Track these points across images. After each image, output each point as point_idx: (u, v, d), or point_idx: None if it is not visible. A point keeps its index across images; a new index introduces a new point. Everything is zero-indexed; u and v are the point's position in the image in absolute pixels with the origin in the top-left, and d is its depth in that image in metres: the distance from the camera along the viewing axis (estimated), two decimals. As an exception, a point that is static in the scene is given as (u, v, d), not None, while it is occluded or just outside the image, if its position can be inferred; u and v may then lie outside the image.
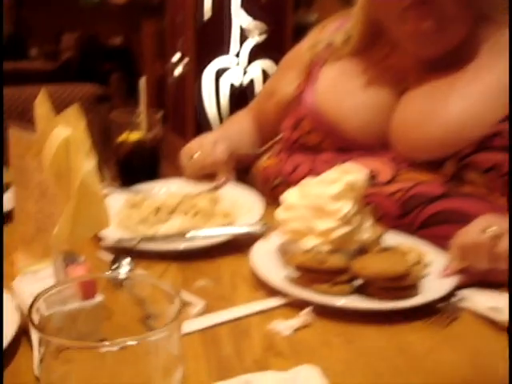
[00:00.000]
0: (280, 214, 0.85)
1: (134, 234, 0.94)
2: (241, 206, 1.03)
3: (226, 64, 3.50)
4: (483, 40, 1.00)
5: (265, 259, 0.84)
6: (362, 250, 0.84)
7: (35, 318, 0.46)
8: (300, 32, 1.40)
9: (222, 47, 3.47)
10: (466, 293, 0.77)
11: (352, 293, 0.75)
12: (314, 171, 1.06)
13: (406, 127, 1.02)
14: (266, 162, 1.20)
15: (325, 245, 0.81)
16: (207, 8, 3.41)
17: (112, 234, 0.91)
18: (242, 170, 1.22)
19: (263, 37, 3.49)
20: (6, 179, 1.04)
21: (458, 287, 0.77)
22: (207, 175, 1.15)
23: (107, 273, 0.81)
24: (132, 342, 0.43)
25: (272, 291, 0.77)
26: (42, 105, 0.75)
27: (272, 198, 1.15)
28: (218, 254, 0.90)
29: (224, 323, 0.71)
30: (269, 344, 0.68)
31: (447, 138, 0.96)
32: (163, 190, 1.11)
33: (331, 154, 1.09)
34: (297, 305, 0.74)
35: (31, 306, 0.46)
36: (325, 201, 0.81)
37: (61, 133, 0.69)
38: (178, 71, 3.69)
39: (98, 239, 0.90)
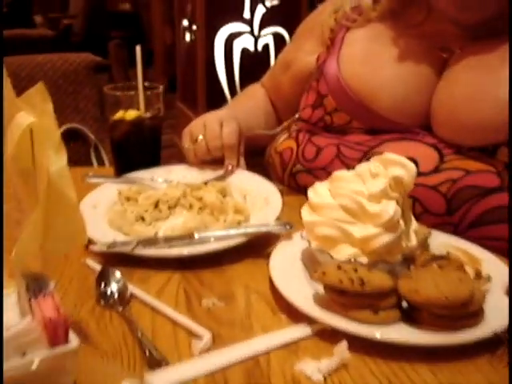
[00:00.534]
0: (306, 215, 0.68)
1: (129, 234, 0.78)
2: (254, 199, 0.87)
3: (238, 30, 3.29)
4: None
5: (287, 271, 0.68)
6: (407, 260, 0.68)
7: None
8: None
9: (233, 13, 3.26)
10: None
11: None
12: (340, 157, 0.90)
13: (451, 106, 0.85)
14: (281, 144, 1.03)
15: (363, 256, 0.65)
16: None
17: (103, 235, 0.76)
18: (253, 155, 1.05)
19: (276, 2, 3.26)
20: None
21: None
22: (213, 161, 0.98)
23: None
24: None
25: (296, 315, 0.62)
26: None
27: (290, 187, 0.99)
28: (228, 261, 0.74)
29: (236, 363, 0.55)
30: (295, 393, 0.52)
31: (500, 120, 0.79)
32: (161, 178, 0.95)
33: (360, 136, 0.92)
34: (329, 335, 0.59)
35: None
36: (364, 200, 0.64)
37: (23, 119, 0.53)
38: (188, 38, 3.49)
39: (86, 243, 0.74)
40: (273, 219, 0.79)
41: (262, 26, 3.32)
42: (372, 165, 0.66)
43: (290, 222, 0.76)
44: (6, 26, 3.55)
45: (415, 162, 0.80)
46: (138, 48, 0.91)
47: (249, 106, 1.17)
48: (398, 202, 0.65)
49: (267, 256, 0.72)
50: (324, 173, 0.93)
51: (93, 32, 5.05)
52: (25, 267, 0.52)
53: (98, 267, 0.71)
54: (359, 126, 0.93)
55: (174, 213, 0.82)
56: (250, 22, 3.29)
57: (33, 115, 0.53)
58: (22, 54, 1.58)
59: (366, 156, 0.89)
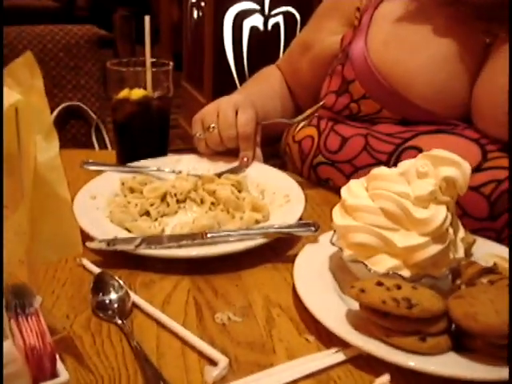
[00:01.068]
0: (338, 218, 0.59)
1: (132, 230, 0.69)
2: (273, 196, 0.77)
3: (248, 7, 3.16)
4: None
5: (314, 283, 0.58)
6: (454, 273, 0.58)
7: None
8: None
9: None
10: None
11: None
12: (368, 149, 0.81)
13: (495, 96, 0.75)
14: (300, 132, 0.93)
15: (405, 268, 0.55)
16: None
17: (102, 230, 0.67)
18: (265, 144, 0.95)
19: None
20: None
21: None
22: (227, 152, 0.89)
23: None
24: None
25: (326, 336, 0.53)
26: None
27: (309, 180, 0.89)
28: (245, 266, 0.65)
29: (258, 398, 0.46)
30: None
31: None
32: (169, 168, 0.85)
33: (390, 127, 0.83)
34: (366, 363, 0.50)
35: None
36: (409, 204, 0.55)
37: (7, 97, 0.43)
38: (195, 14, 3.36)
39: (82, 239, 0.64)
40: (295, 219, 0.70)
41: (272, 5, 3.19)
42: (419, 162, 0.56)
43: (317, 223, 0.66)
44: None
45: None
46: (147, 18, 0.81)
47: (264, 89, 1.06)
48: (448, 208, 0.55)
49: (289, 260, 0.63)
50: (349, 166, 0.84)
51: (98, 7, 4.90)
52: (7, 276, 0.43)
53: (95, 269, 0.62)
54: (390, 115, 0.83)
55: (183, 208, 0.72)
56: (260, 1, 3.16)
57: (19, 92, 0.43)
58: (23, 25, 1.47)
59: (397, 150, 0.80)
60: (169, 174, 0.84)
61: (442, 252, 0.55)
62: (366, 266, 0.56)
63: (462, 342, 0.51)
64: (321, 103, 0.89)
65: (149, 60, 0.84)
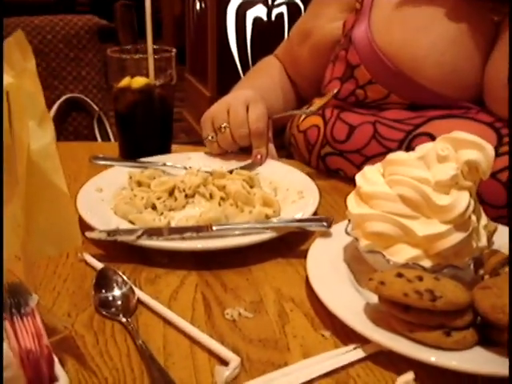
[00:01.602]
0: (353, 206, 0.55)
1: (135, 222, 0.66)
2: (286, 193, 0.74)
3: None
4: None
5: (328, 275, 0.55)
6: (476, 263, 0.55)
7: None
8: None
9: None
10: None
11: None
12: (377, 138, 0.77)
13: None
14: (305, 122, 0.89)
15: (426, 258, 0.52)
16: None
17: (105, 222, 0.64)
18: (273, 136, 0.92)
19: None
20: None
21: None
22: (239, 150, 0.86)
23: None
24: None
25: (343, 331, 0.49)
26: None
27: (318, 169, 0.86)
28: (254, 260, 0.62)
29: (273, 399, 0.43)
30: None
31: None
32: (180, 165, 0.82)
33: (399, 112, 0.79)
34: (387, 360, 0.46)
35: None
36: (429, 190, 0.51)
37: (-3, 80, 0.40)
38: (198, 6, 3.32)
39: (82, 230, 0.61)
40: (307, 215, 0.66)
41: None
42: (439, 145, 0.53)
43: (330, 218, 0.63)
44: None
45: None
46: (148, 2, 0.77)
47: (265, 81, 1.03)
48: (471, 194, 0.52)
49: (302, 254, 0.60)
50: (359, 156, 0.81)
51: (99, 0, 4.86)
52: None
53: (98, 264, 0.59)
54: (398, 100, 0.80)
55: (192, 203, 0.69)
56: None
57: (10, 75, 0.40)
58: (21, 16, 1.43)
59: (408, 137, 0.76)
60: (179, 169, 0.80)
61: (465, 240, 0.52)
62: (384, 256, 0.53)
63: (489, 335, 0.48)
64: (335, 90, 0.85)
65: (150, 46, 0.81)
